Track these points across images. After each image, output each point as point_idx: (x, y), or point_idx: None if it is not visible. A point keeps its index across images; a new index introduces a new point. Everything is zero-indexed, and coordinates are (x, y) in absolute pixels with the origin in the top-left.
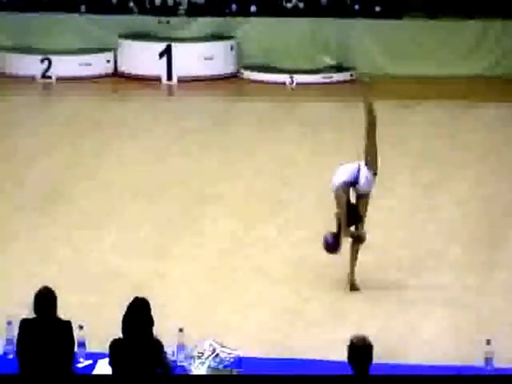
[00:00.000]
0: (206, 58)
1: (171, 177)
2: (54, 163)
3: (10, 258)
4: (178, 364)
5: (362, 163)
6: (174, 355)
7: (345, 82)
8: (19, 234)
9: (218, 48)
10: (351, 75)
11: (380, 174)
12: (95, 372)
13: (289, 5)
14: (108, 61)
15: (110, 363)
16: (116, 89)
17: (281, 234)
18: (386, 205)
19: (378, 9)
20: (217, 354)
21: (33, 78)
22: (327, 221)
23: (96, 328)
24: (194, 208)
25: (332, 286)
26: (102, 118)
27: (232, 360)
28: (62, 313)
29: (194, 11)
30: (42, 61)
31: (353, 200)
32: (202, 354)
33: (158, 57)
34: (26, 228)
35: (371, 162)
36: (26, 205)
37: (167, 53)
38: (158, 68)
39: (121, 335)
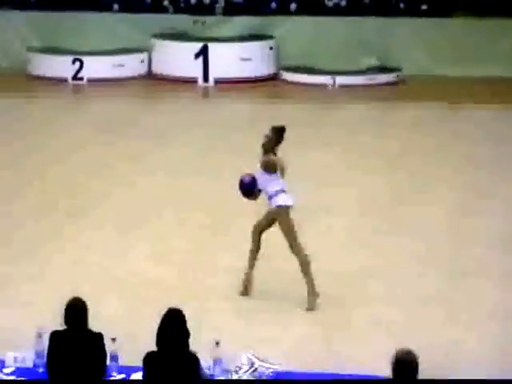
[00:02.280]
0: (243, 59)
1: (206, 183)
2: (85, 168)
3: (38, 267)
4: (215, 379)
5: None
6: (210, 369)
7: (388, 83)
8: (48, 240)
9: (257, 48)
10: (396, 76)
11: (421, 178)
12: None
13: (330, 3)
14: (142, 62)
15: (144, 377)
16: (150, 91)
17: (319, 243)
18: (427, 210)
19: (423, 7)
20: (255, 369)
21: (64, 79)
22: (363, 226)
23: (129, 340)
24: (228, 216)
25: (373, 297)
26: (136, 121)
27: (271, 374)
28: (94, 324)
29: (231, 10)
30: (74, 62)
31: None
32: (240, 368)
33: (193, 57)
34: (55, 234)
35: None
36: (54, 209)
37: (203, 53)
38: (194, 69)
39: (155, 348)
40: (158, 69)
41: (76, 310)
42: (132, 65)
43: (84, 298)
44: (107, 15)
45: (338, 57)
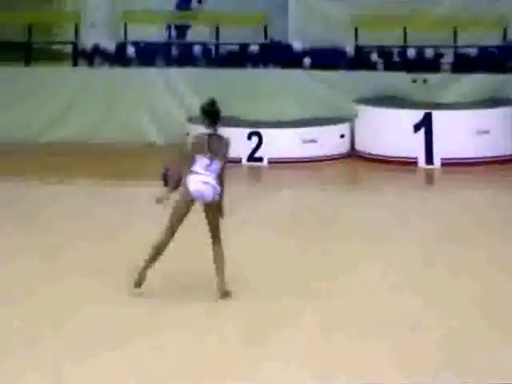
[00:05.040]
0: (480, 132)
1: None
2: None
3: None
4: None
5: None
6: None
7: None
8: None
9: (497, 117)
10: None
11: None
12: None
13: None
14: (342, 136)
15: None
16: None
17: None
18: None
19: None
20: None
21: (237, 160)
22: None
23: None
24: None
25: None
26: (334, 214)
27: None
28: None
29: (462, 65)
30: (250, 136)
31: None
32: None
33: (412, 130)
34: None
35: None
36: None
37: (426, 124)
38: (413, 146)
39: None
40: (362, 146)
41: None
42: (328, 140)
43: None
44: (295, 73)
45: None
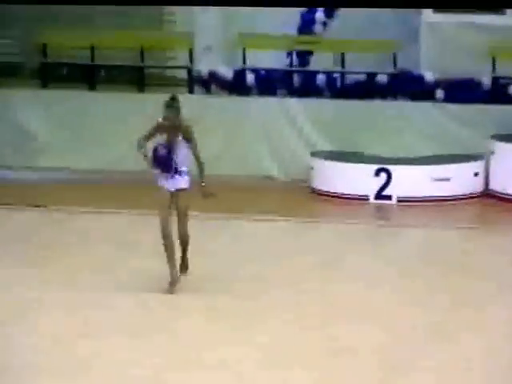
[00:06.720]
0: None
1: None
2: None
3: None
4: None
5: None
6: None
7: None
8: None
9: None
10: None
11: None
12: None
13: None
14: (476, 174)
15: None
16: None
17: None
18: None
19: None
20: None
21: (363, 197)
22: None
23: None
24: None
25: None
26: (460, 260)
27: None
28: None
29: None
30: (378, 172)
31: None
32: None
33: None
34: None
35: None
36: None
37: None
38: None
39: None
40: (498, 185)
41: None
42: (461, 178)
43: None
44: (426, 106)
45: None
